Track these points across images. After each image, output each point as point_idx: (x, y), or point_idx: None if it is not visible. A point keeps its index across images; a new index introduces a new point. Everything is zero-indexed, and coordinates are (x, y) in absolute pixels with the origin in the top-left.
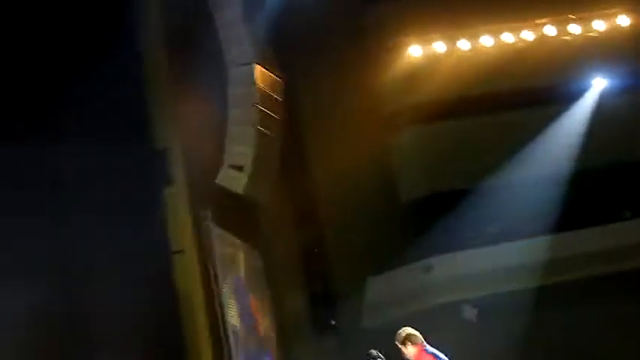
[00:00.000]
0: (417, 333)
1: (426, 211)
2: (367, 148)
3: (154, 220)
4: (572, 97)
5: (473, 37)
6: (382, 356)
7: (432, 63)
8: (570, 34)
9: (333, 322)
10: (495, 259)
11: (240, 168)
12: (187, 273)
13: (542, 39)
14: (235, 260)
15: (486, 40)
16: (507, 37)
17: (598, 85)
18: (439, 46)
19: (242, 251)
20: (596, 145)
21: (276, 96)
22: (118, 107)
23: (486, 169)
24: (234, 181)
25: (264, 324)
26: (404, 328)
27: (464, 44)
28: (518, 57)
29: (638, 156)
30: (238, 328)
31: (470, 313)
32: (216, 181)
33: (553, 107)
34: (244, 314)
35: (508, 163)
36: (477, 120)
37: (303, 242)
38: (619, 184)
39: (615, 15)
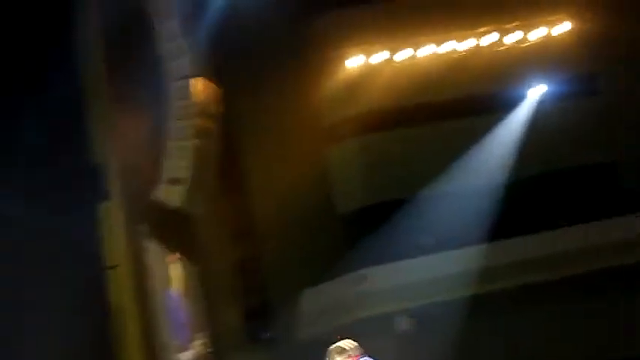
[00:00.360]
0: (352, 344)
1: (361, 223)
2: (304, 160)
3: (89, 235)
4: (511, 104)
5: (412, 47)
6: None
7: (370, 73)
8: (510, 41)
9: (269, 335)
10: (430, 269)
11: (176, 181)
12: (121, 288)
13: (484, 47)
14: (170, 275)
15: (426, 50)
16: (447, 46)
17: (536, 92)
18: (378, 57)
19: (177, 266)
20: (532, 153)
21: (214, 109)
22: (54, 120)
23: (422, 179)
24: (171, 195)
25: (199, 339)
26: (337, 343)
27: (403, 54)
28: (457, 66)
29: (573, 163)
30: (172, 343)
31: (406, 323)
32: (152, 195)
33: (492, 116)
34: (178, 329)
35: (444, 173)
36: (413, 130)
37: (239, 255)
38: (554, 192)
39: (556, 22)
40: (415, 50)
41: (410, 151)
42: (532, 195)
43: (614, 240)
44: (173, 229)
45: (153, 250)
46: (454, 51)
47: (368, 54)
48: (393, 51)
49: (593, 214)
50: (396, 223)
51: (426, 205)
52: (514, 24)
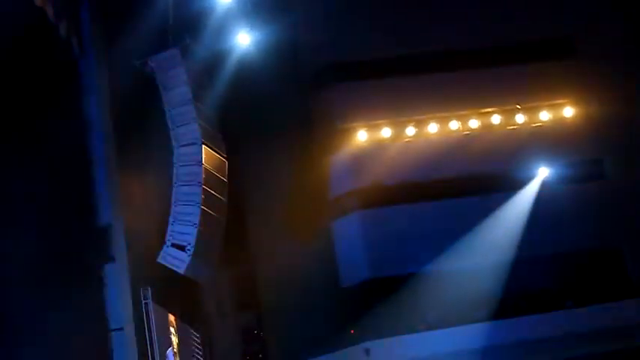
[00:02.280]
0: None
1: (365, 296)
2: (309, 231)
3: (94, 297)
4: (516, 185)
5: (420, 124)
6: None
7: (377, 148)
8: (516, 123)
9: None
10: (433, 344)
11: (182, 248)
12: (125, 351)
13: (489, 127)
14: (173, 339)
15: (433, 127)
16: (454, 125)
17: (542, 173)
18: (386, 132)
19: (181, 331)
20: (538, 234)
21: (221, 177)
22: (61, 182)
23: (427, 255)
24: (176, 260)
25: None
26: None
27: (410, 130)
28: (464, 145)
29: (579, 246)
30: None
31: None
32: (158, 260)
33: (497, 196)
34: None
35: (448, 250)
36: (420, 206)
37: (243, 323)
38: (560, 274)
39: (560, 106)
40: (419, 128)
41: (414, 227)
42: (537, 275)
43: (618, 324)
44: (177, 293)
45: (157, 313)
46: (457, 130)
47: (374, 128)
48: (399, 127)
49: (598, 297)
50: (400, 298)
51: (431, 281)
52: (519, 106)
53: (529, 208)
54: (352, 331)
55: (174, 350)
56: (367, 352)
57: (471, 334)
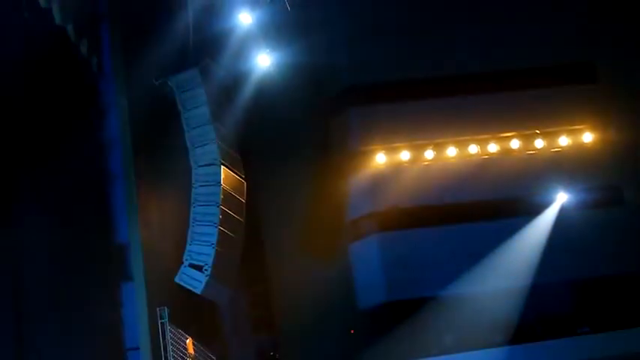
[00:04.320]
0: None
1: (382, 319)
2: (328, 254)
3: (111, 316)
4: (535, 210)
5: (438, 147)
6: None
7: (394, 171)
8: (535, 148)
9: None
10: None
11: (199, 268)
12: None
13: (507, 152)
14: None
15: (451, 151)
16: (472, 149)
17: (560, 199)
18: (405, 155)
19: (197, 351)
20: (556, 259)
21: (239, 197)
22: (81, 201)
23: (446, 279)
24: (193, 281)
25: None
26: None
27: (429, 154)
28: (482, 169)
29: (598, 272)
30: None
31: None
32: (175, 280)
33: (516, 220)
34: None
35: (467, 273)
36: (438, 230)
37: (260, 345)
38: (579, 299)
39: (580, 132)
40: (438, 151)
41: (432, 251)
42: (554, 301)
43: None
44: (194, 314)
45: (173, 333)
46: (476, 154)
47: (392, 152)
48: (417, 150)
49: (616, 323)
50: (417, 321)
51: (448, 305)
52: (538, 131)
53: (547, 234)
54: (352, 331)
55: None
56: None
57: (486, 359)
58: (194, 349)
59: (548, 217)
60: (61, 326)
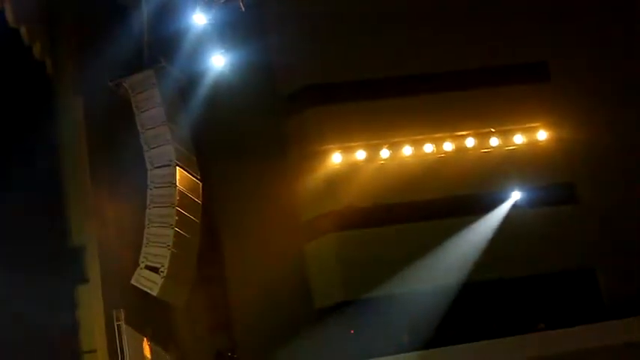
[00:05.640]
0: None
1: (338, 318)
2: (284, 254)
3: (66, 319)
4: (490, 208)
5: (394, 147)
6: None
7: (350, 171)
8: (490, 146)
9: None
10: None
11: (155, 270)
12: None
13: (463, 150)
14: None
15: (407, 150)
16: (428, 148)
17: (514, 196)
18: (360, 154)
19: (154, 353)
20: (510, 256)
21: (195, 199)
22: (34, 203)
23: (403, 276)
24: (149, 282)
25: None
26: None
27: (385, 153)
28: (438, 167)
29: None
30: None
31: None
32: (131, 281)
33: (471, 218)
34: None
35: (421, 271)
36: (394, 229)
37: (217, 345)
38: (534, 295)
39: (534, 130)
40: (394, 150)
41: (388, 250)
42: (509, 297)
43: (591, 346)
44: (150, 315)
45: (130, 335)
46: (432, 153)
47: (348, 151)
48: (373, 149)
49: (571, 319)
50: (374, 320)
51: (404, 303)
52: (493, 129)
53: (495, 230)
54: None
55: None
56: None
57: (443, 357)
58: (150, 351)
59: (499, 214)
60: (15, 328)
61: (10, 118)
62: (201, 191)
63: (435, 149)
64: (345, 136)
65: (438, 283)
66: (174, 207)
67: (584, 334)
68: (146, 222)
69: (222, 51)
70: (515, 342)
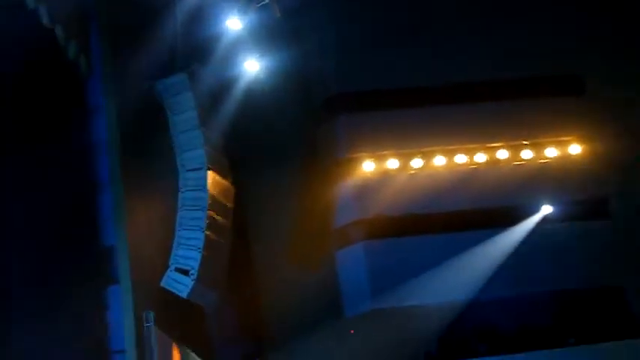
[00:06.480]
0: None
1: (368, 326)
2: (314, 261)
3: (96, 319)
4: (520, 221)
5: (426, 156)
6: None
7: (381, 179)
8: (522, 159)
9: None
10: None
11: (186, 272)
12: None
13: (495, 162)
14: None
15: (439, 160)
16: (460, 158)
17: (544, 210)
18: (392, 163)
19: (182, 356)
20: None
21: (227, 202)
22: (67, 204)
23: (432, 287)
24: (179, 285)
25: None
26: None
27: (417, 162)
28: (469, 179)
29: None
30: None
31: None
32: (161, 284)
33: (501, 230)
34: None
35: (452, 282)
36: (424, 238)
37: (245, 349)
38: (562, 310)
39: (567, 143)
40: (426, 159)
41: (418, 259)
42: (538, 312)
43: None
44: (180, 318)
45: (159, 337)
46: (465, 163)
47: (381, 159)
48: (405, 158)
49: (600, 335)
50: (404, 330)
51: (434, 313)
52: (526, 142)
53: (522, 242)
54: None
55: None
56: None
57: None
58: (179, 354)
59: (526, 227)
60: (48, 327)
61: (43, 119)
62: (232, 195)
63: (467, 160)
64: (378, 144)
65: (466, 295)
66: (205, 210)
67: (614, 350)
68: (177, 225)
69: (256, 56)
70: (544, 356)
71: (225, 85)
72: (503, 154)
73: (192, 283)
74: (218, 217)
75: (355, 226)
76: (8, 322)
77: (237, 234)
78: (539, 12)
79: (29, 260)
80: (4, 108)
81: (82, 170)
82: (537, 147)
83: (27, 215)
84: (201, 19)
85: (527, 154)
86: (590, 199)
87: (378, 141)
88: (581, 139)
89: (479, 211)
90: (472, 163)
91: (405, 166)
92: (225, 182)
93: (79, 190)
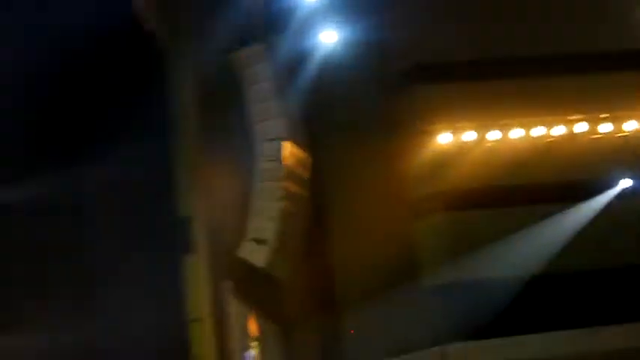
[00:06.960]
0: None
1: (445, 298)
2: (391, 232)
3: (175, 286)
4: (596, 194)
5: (504, 128)
6: None
7: (458, 151)
8: (601, 132)
9: None
10: (513, 350)
11: (262, 242)
12: (203, 342)
13: (573, 135)
14: (251, 335)
15: (517, 132)
16: (538, 131)
17: (623, 184)
18: (469, 135)
19: (259, 326)
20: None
21: (303, 173)
22: (145, 175)
23: (510, 260)
24: (256, 254)
25: None
26: None
27: (494, 135)
28: (548, 151)
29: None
30: None
31: None
32: (238, 253)
33: (573, 204)
34: None
35: (532, 255)
36: (502, 211)
37: (321, 320)
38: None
39: None
40: (503, 132)
41: (496, 231)
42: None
43: None
44: (256, 288)
45: (235, 306)
46: (543, 136)
47: (458, 131)
48: (481, 130)
49: None
50: (483, 302)
51: (512, 286)
52: (605, 115)
53: (595, 217)
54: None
55: (253, 352)
56: (446, 355)
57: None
58: (256, 325)
59: (603, 201)
60: (126, 297)
61: (121, 92)
62: (309, 166)
63: (545, 132)
64: (455, 116)
65: (546, 268)
66: (281, 181)
67: None
68: (253, 195)
69: (333, 27)
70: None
71: (301, 57)
72: (581, 127)
73: (268, 252)
74: (294, 188)
75: (432, 197)
76: (87, 288)
77: (313, 205)
78: None
79: (108, 230)
80: (82, 80)
81: (160, 141)
82: (616, 120)
83: (105, 185)
84: None
85: (606, 127)
86: None
87: (456, 113)
88: None
89: (556, 184)
90: (550, 136)
91: (482, 138)
92: (301, 153)
93: (158, 161)
